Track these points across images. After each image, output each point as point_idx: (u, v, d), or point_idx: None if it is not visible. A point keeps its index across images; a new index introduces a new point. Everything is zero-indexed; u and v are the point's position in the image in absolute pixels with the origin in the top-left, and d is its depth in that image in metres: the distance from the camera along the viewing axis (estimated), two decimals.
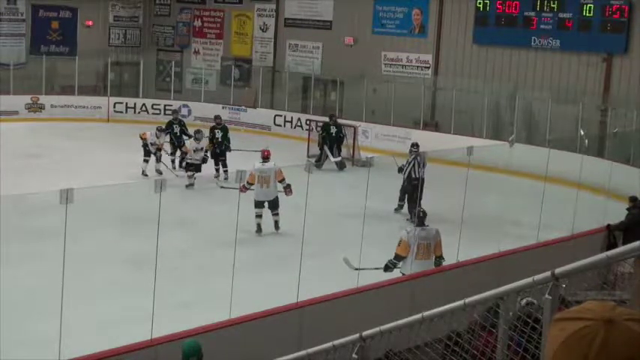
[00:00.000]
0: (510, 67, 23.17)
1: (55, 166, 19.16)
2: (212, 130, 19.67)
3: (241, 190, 14.30)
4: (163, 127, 20.24)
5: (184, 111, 26.37)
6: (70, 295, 7.81)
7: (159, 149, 19.47)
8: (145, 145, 19.21)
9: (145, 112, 26.76)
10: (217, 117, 20.68)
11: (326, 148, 21.28)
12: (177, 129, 20.28)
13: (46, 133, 24.07)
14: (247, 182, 14.40)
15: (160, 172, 18.92)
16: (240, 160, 17.12)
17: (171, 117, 21.57)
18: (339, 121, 22.36)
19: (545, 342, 1.63)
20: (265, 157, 15.01)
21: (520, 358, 4.71)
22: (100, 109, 27.23)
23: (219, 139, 19.21)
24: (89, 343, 8.23)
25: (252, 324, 8.77)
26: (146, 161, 19.16)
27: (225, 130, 19.75)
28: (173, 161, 20.11)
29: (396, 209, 16.18)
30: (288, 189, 14.47)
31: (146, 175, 18.82)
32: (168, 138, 20.10)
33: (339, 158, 21.12)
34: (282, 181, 14.59)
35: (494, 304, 5.43)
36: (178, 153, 20.08)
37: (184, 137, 20.16)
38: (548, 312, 4.21)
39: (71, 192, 7.36)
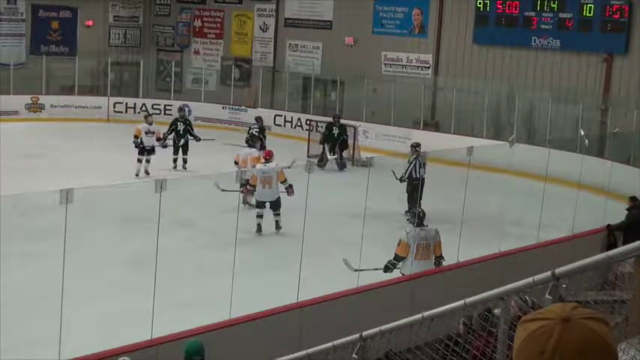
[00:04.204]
0: (510, 67, 23.18)
1: (55, 166, 19.15)
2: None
3: (243, 193, 14.35)
4: (149, 112, 20.39)
5: (185, 111, 26.32)
6: (70, 295, 7.81)
7: (158, 139, 19.49)
8: (140, 144, 19.20)
9: (145, 112, 26.72)
10: (259, 118, 21.05)
11: (326, 146, 21.32)
12: (181, 127, 20.19)
13: (46, 133, 24.06)
14: (249, 184, 14.41)
15: (147, 173, 18.94)
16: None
17: (177, 115, 21.13)
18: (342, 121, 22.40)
19: None
20: (267, 158, 15.06)
21: None
22: (100, 109, 27.23)
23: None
24: (89, 343, 8.23)
25: (252, 324, 8.77)
26: (140, 161, 19.17)
27: (342, 129, 21.14)
28: (175, 160, 20.10)
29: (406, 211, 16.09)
30: (290, 189, 14.49)
31: (146, 174, 18.87)
32: (172, 136, 20.09)
33: (335, 156, 21.15)
34: (284, 181, 14.61)
35: (486, 309, 5.45)
36: (181, 153, 20.12)
37: (189, 137, 20.14)
38: None
39: (71, 192, 7.36)
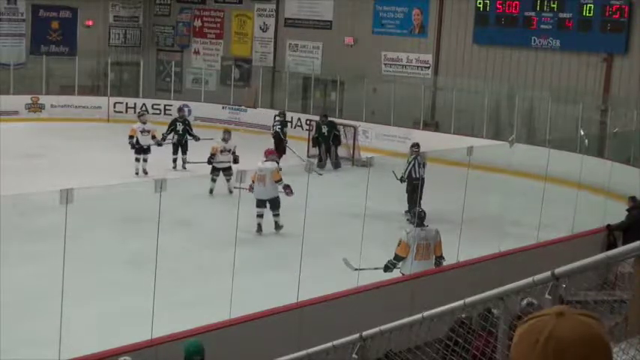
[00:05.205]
0: (510, 67, 23.17)
1: (55, 166, 19.15)
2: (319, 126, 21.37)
3: (249, 191, 14.58)
4: (142, 110, 21.14)
5: (185, 111, 26.34)
6: (70, 295, 7.81)
7: (153, 136, 19.57)
8: (136, 144, 19.30)
9: (145, 112, 26.71)
10: (281, 113, 22.04)
11: (321, 148, 21.34)
12: (180, 127, 20.26)
13: (46, 133, 24.07)
14: (252, 181, 14.55)
15: (145, 173, 19.07)
16: (243, 160, 17.18)
17: (177, 115, 21.35)
18: (336, 120, 22.40)
19: None
20: (267, 156, 15.20)
21: None
22: (100, 109, 27.23)
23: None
24: (89, 343, 8.23)
25: (252, 324, 8.77)
26: (138, 160, 19.31)
27: (331, 126, 21.49)
28: (175, 160, 20.13)
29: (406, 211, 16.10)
30: (287, 189, 14.49)
31: (145, 174, 19.09)
32: (171, 136, 20.14)
33: (314, 155, 21.25)
34: (278, 181, 14.63)
35: (486, 309, 5.45)
36: (180, 153, 20.18)
37: (188, 137, 20.20)
38: None
39: (71, 192, 7.36)
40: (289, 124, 22.36)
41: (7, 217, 11.13)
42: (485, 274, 10.19)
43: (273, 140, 20.68)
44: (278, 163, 19.08)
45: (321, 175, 19.45)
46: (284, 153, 20.18)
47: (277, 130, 21.06)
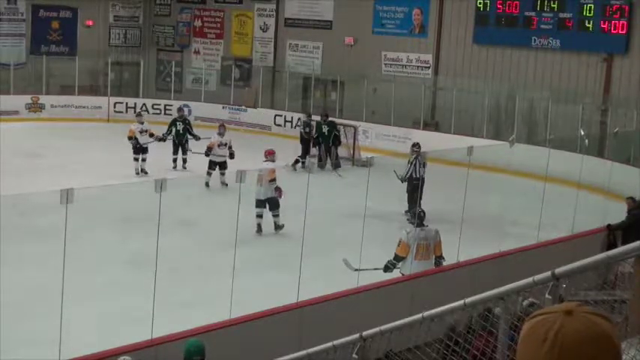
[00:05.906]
0: (510, 67, 23.17)
1: (55, 166, 19.16)
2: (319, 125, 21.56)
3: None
4: (140, 110, 21.74)
5: (185, 111, 26.35)
6: (70, 295, 7.81)
7: (151, 135, 19.66)
8: (136, 144, 19.37)
9: (146, 112, 26.71)
10: (307, 115, 22.22)
11: (321, 148, 21.35)
12: (180, 126, 20.29)
13: (46, 133, 24.07)
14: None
15: (145, 172, 19.14)
16: (243, 160, 17.17)
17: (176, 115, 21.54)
18: (336, 120, 22.40)
19: None
20: (267, 157, 15.31)
21: None
22: (100, 109, 27.23)
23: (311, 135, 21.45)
24: (89, 343, 8.23)
25: (252, 324, 8.77)
26: (136, 160, 19.42)
27: (332, 126, 21.58)
28: (175, 160, 20.15)
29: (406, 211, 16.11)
30: (277, 190, 14.54)
31: (144, 173, 19.23)
32: (172, 136, 20.18)
33: (316, 155, 21.41)
34: (271, 180, 14.66)
35: (486, 309, 5.44)
36: (180, 152, 20.21)
37: (188, 136, 20.25)
38: None
39: (71, 192, 7.36)
40: (312, 126, 22.26)
41: (7, 217, 11.13)
42: (485, 274, 10.19)
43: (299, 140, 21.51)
44: (303, 162, 20.07)
45: (340, 176, 19.95)
46: (308, 153, 20.89)
47: (301, 131, 21.70)
